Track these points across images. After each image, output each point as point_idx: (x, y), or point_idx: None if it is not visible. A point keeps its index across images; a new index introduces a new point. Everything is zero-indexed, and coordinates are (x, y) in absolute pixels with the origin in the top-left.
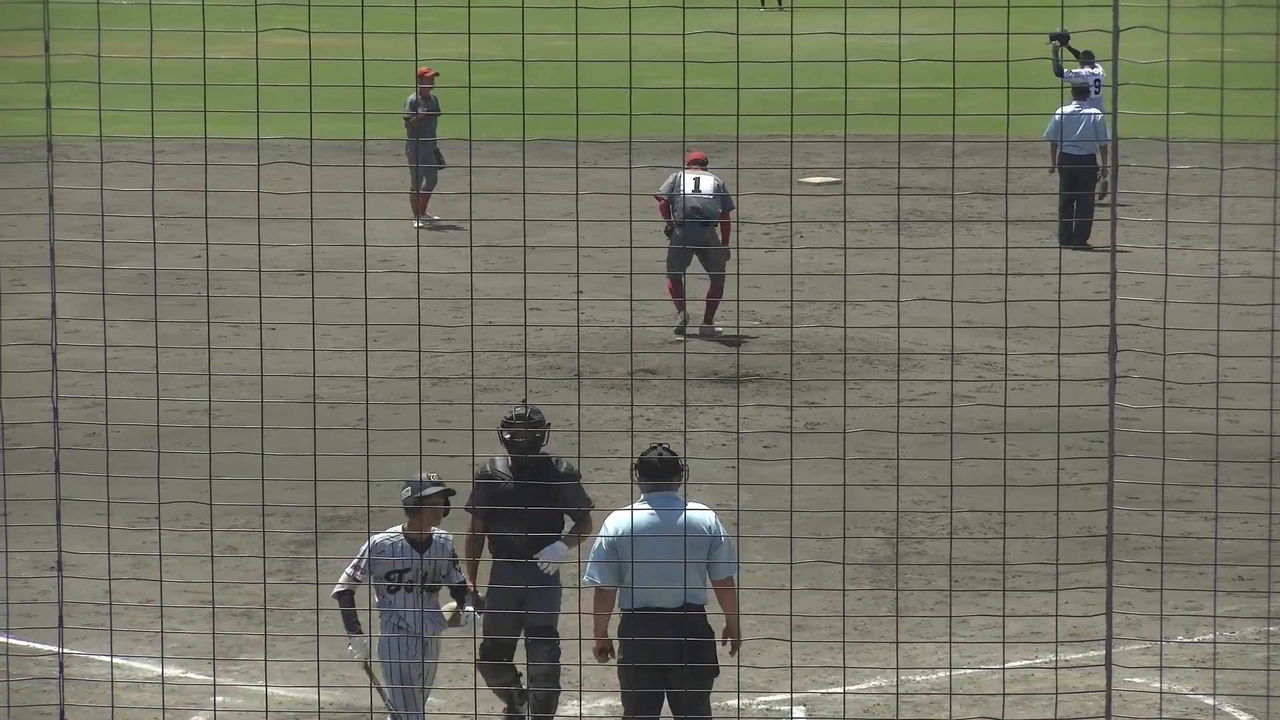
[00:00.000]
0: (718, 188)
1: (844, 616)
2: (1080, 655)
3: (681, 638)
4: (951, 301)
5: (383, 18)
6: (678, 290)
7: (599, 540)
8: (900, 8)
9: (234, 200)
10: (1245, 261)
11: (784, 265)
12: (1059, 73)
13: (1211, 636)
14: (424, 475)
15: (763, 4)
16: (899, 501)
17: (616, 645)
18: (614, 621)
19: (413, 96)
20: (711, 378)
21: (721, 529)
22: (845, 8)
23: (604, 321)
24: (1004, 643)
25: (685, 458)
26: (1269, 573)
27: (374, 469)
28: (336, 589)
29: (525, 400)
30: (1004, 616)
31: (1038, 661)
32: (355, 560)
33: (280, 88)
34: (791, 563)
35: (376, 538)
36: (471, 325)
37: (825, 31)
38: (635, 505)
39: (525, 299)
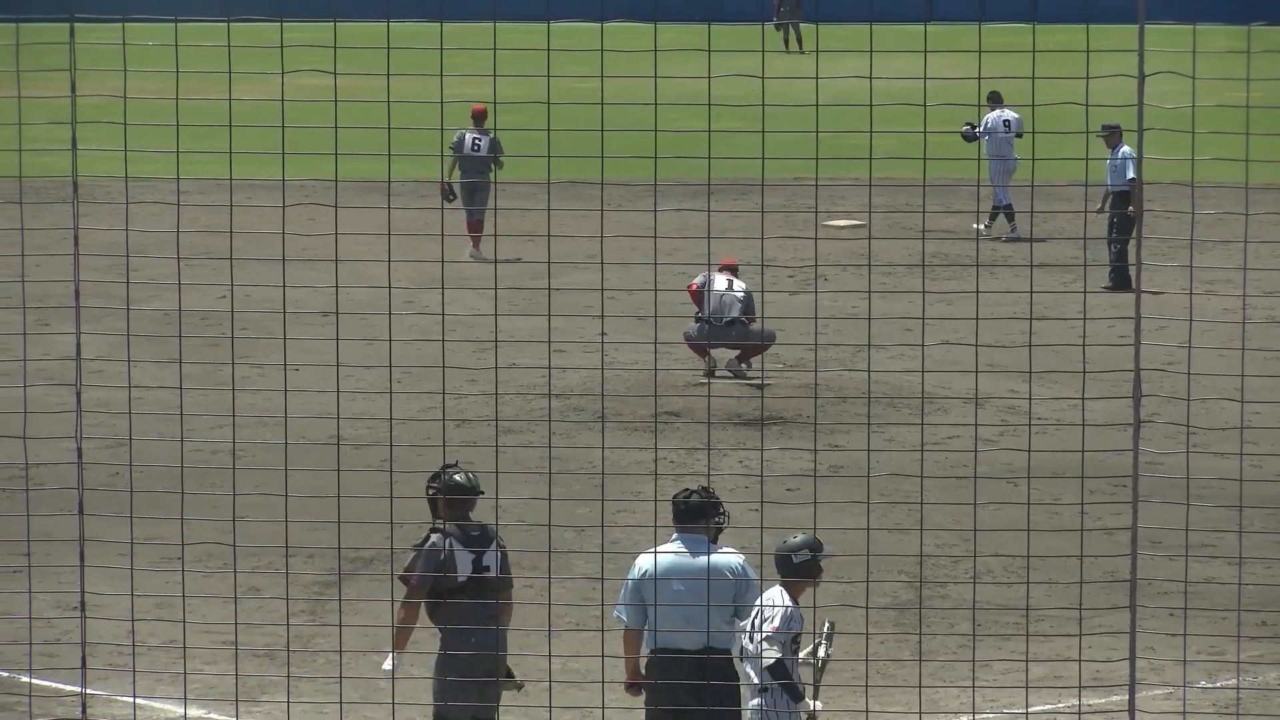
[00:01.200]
0: (745, 293)
1: (867, 660)
2: (1103, 700)
3: (701, 681)
4: (976, 345)
5: (408, 59)
6: (700, 350)
7: (627, 579)
8: (925, 52)
9: (258, 241)
10: (1270, 306)
11: (808, 308)
12: (968, 137)
13: (1235, 682)
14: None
15: (786, 47)
16: (922, 545)
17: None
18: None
19: (465, 132)
20: (735, 421)
21: (750, 573)
22: (871, 51)
23: (627, 364)
24: (1027, 687)
25: (722, 502)
26: None
27: (397, 511)
28: (770, 662)
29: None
30: (1027, 661)
31: (1061, 706)
32: (778, 627)
33: (305, 129)
34: (815, 606)
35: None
36: (495, 367)
37: (850, 75)
38: (662, 547)
39: (549, 341)
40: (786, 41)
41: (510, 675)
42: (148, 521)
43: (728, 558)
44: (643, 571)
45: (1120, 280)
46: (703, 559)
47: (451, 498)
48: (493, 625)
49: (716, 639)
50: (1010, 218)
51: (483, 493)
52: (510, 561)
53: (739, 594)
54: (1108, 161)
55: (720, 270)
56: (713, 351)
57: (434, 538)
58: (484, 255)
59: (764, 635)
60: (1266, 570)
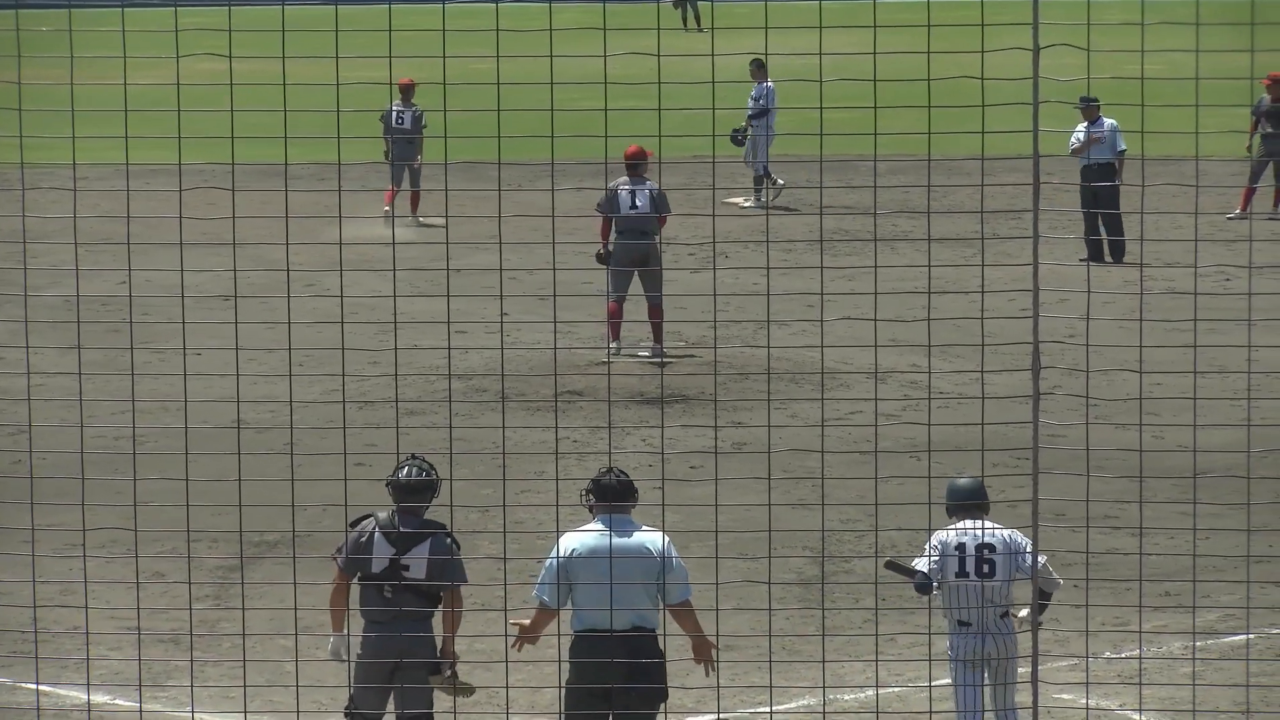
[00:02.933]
0: (654, 197)
1: (771, 636)
2: None
3: (630, 660)
4: (875, 320)
5: (305, 42)
6: (619, 314)
7: (549, 560)
8: (821, 28)
9: (158, 226)
10: (1169, 277)
11: (708, 286)
12: (737, 140)
13: (1138, 652)
14: None
15: (685, 25)
16: (825, 521)
17: (566, 667)
18: (558, 642)
19: (393, 108)
20: (638, 399)
21: (674, 552)
22: (766, 29)
23: (529, 344)
24: (931, 660)
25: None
26: (1195, 588)
27: (300, 494)
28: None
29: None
30: (930, 634)
31: None
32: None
33: (203, 113)
34: (718, 583)
35: None
36: (396, 349)
37: (747, 53)
38: (587, 527)
39: (450, 322)
40: (685, 20)
41: (446, 675)
42: (50, 508)
43: (653, 536)
44: (570, 551)
45: (1117, 252)
46: (628, 538)
47: (394, 489)
48: (408, 618)
49: (643, 618)
50: (772, 183)
51: (430, 488)
52: (456, 567)
53: (665, 573)
54: (1082, 135)
55: (627, 170)
56: (623, 333)
57: (365, 521)
58: (396, 213)
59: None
60: (1169, 541)
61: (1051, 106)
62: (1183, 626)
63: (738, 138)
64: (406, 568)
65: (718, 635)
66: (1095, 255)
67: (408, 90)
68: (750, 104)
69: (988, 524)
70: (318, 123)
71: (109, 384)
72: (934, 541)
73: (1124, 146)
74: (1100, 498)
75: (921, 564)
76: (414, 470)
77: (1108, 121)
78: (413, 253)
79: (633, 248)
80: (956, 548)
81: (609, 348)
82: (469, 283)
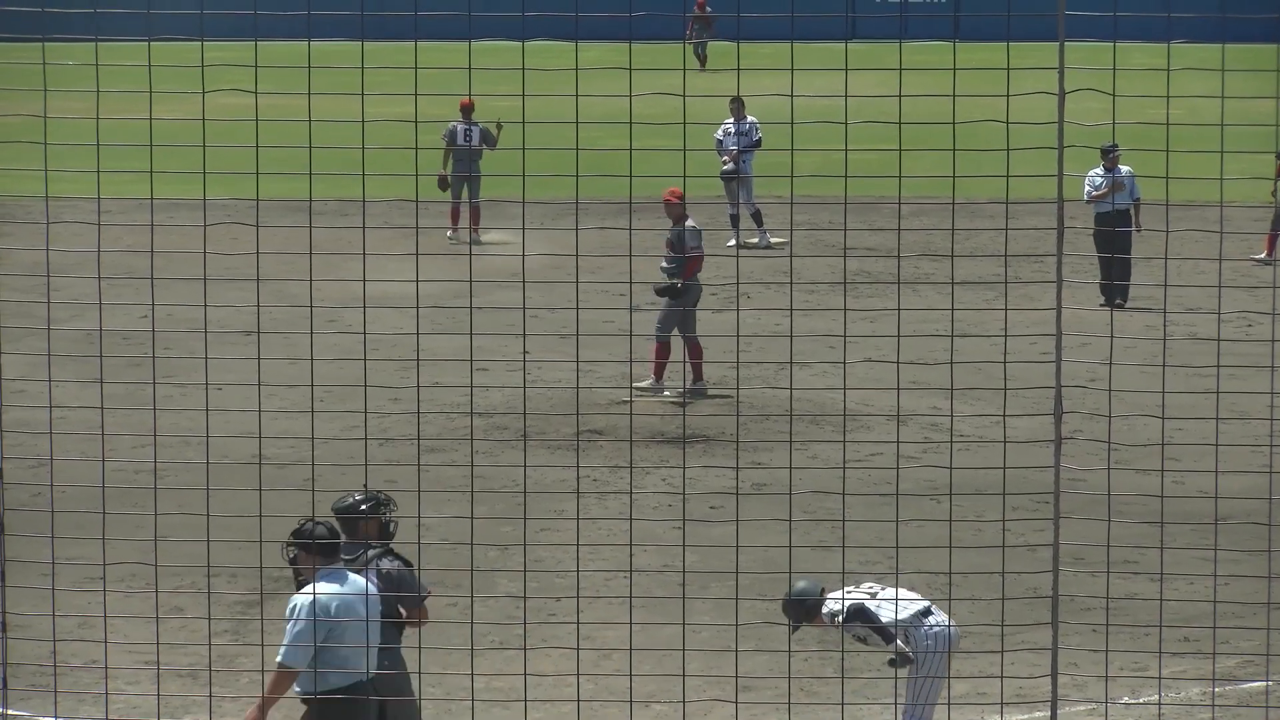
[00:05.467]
0: (684, 233)
1: (790, 678)
2: (1026, 716)
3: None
4: (898, 362)
5: (330, 78)
6: (665, 354)
7: (298, 621)
8: (847, 69)
9: (181, 260)
10: (1191, 323)
11: (731, 326)
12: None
13: (1157, 698)
14: None
15: (702, 67)
16: (845, 562)
17: None
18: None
19: (457, 124)
20: (658, 439)
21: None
22: (792, 69)
23: (551, 382)
24: (950, 704)
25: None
26: (1214, 634)
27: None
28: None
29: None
30: (950, 678)
31: None
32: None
33: (227, 148)
34: (738, 624)
35: None
36: (418, 386)
37: (772, 94)
38: (327, 585)
39: (472, 360)
40: (699, 59)
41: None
42: (70, 541)
43: (361, 579)
44: (324, 610)
45: (1122, 294)
46: (357, 583)
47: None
48: (386, 646)
49: (392, 657)
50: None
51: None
52: (406, 583)
53: (386, 603)
54: (1101, 179)
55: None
56: (665, 374)
57: None
58: (463, 239)
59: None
60: (1188, 586)
61: (1076, 150)
62: (1202, 672)
63: (730, 173)
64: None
65: (736, 676)
66: (1110, 301)
67: (469, 109)
68: (732, 139)
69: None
70: (342, 159)
71: (130, 418)
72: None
73: (1139, 194)
74: (1120, 542)
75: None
76: (358, 504)
77: (1124, 169)
78: (435, 290)
79: (697, 288)
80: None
81: (657, 386)
82: (491, 320)
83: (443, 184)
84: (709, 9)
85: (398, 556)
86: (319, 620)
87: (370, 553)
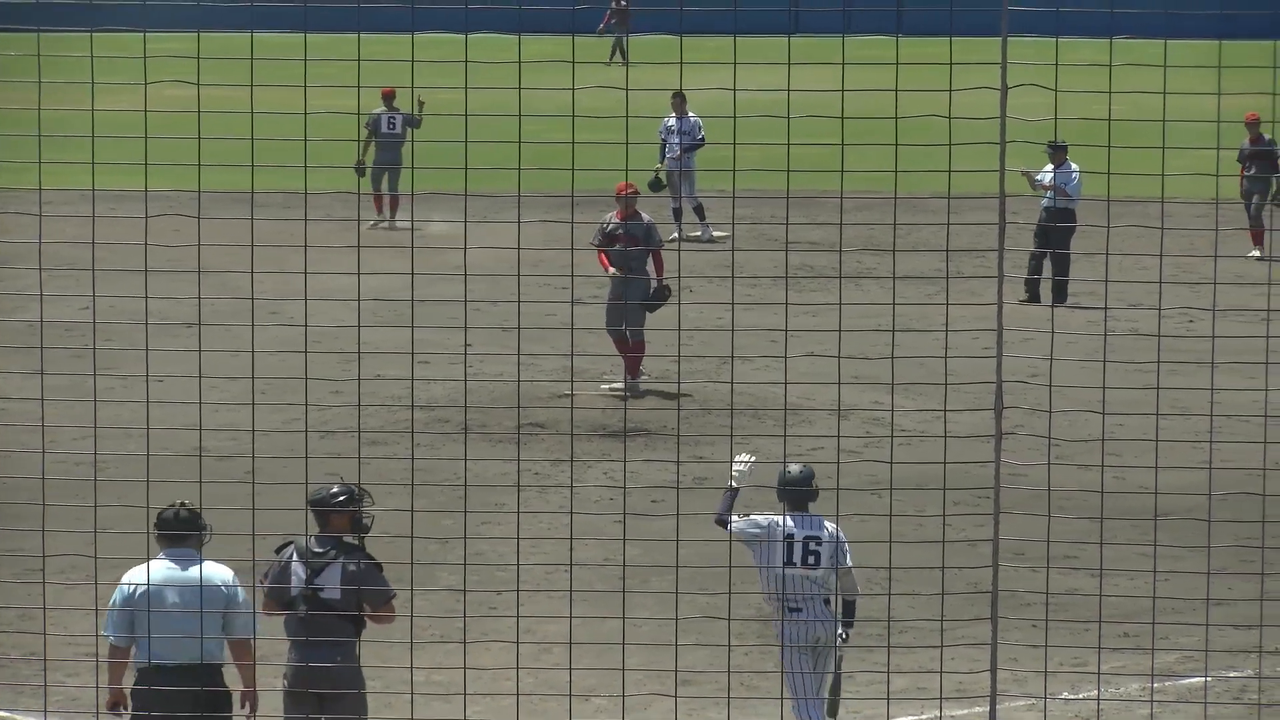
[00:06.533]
0: (648, 228)
1: (730, 672)
2: (966, 711)
3: (194, 695)
4: (839, 357)
5: (273, 70)
6: (624, 344)
7: (114, 597)
8: (789, 64)
9: (123, 252)
10: (1133, 319)
11: (672, 319)
12: (656, 187)
13: (1096, 693)
14: None
15: (610, 59)
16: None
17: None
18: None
19: (381, 113)
20: (600, 432)
21: (239, 586)
22: (735, 63)
23: (492, 375)
24: (889, 699)
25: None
26: (1153, 629)
27: (261, 522)
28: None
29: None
30: (889, 673)
31: (923, 718)
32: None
33: (170, 139)
34: (678, 618)
35: None
36: (359, 378)
37: (715, 87)
38: (153, 563)
39: (414, 352)
40: (613, 54)
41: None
42: (10, 533)
43: (219, 570)
44: (133, 589)
45: (1059, 293)
46: (193, 572)
47: (315, 509)
48: (330, 641)
49: (206, 652)
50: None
51: (335, 504)
52: (374, 580)
53: (228, 606)
54: (1049, 177)
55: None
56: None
57: (286, 548)
58: (387, 220)
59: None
60: (1129, 582)
61: (1018, 146)
62: (1141, 668)
63: (656, 185)
64: (320, 589)
65: (676, 670)
66: (1034, 296)
67: (391, 97)
68: (674, 138)
69: (811, 514)
70: (285, 150)
71: (71, 409)
72: (762, 520)
73: (1079, 193)
74: (1060, 538)
75: (738, 525)
76: (330, 495)
77: (1074, 166)
78: (377, 282)
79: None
80: (786, 535)
81: (635, 382)
82: (433, 313)
83: (360, 170)
84: (624, 2)
85: (366, 554)
86: (120, 608)
87: (334, 549)
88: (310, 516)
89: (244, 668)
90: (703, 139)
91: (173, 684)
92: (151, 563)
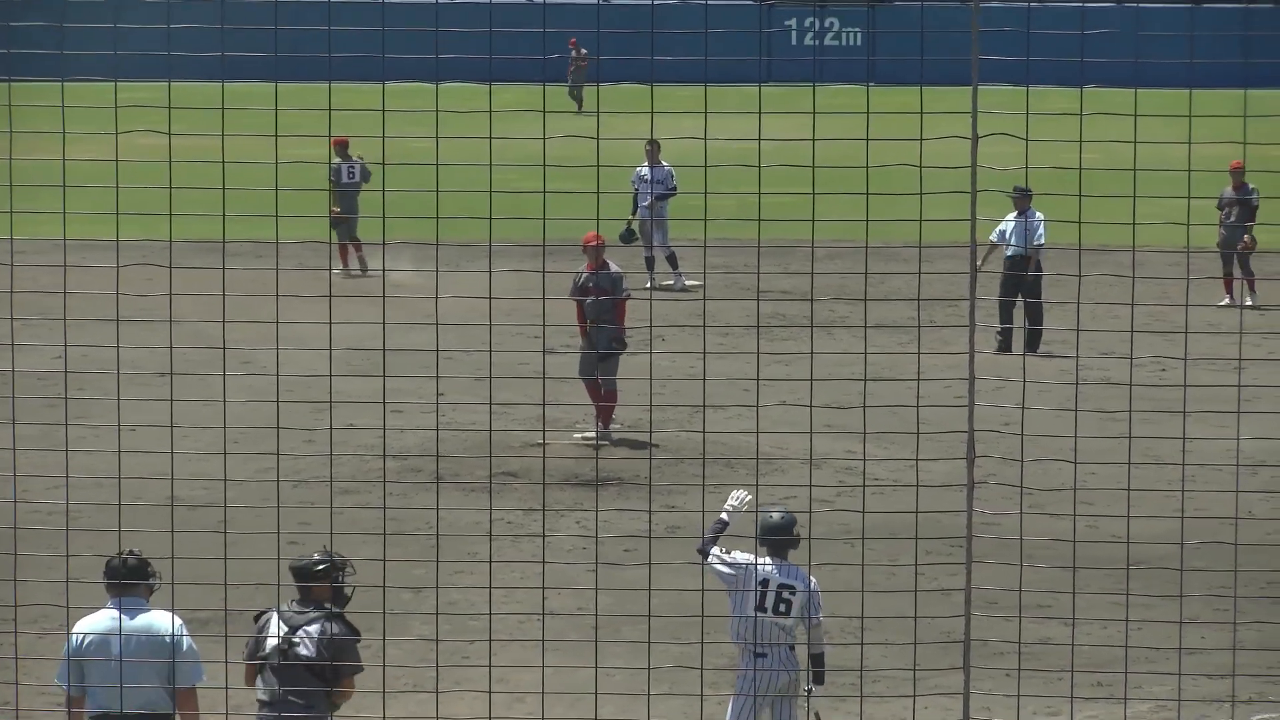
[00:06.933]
0: (616, 279)
1: None
2: None
3: None
4: (811, 406)
5: (244, 120)
6: (597, 392)
7: (65, 646)
8: (760, 113)
9: (94, 301)
10: (1104, 367)
11: (645, 369)
12: (627, 238)
13: None
14: None
15: (579, 108)
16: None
17: None
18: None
19: (341, 163)
20: (572, 481)
21: (186, 634)
22: (705, 113)
23: (465, 424)
24: None
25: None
26: (1126, 679)
27: (233, 572)
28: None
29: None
30: (862, 717)
31: None
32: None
33: (141, 189)
34: (650, 667)
35: None
36: (331, 428)
37: (687, 136)
38: (100, 613)
39: (385, 401)
40: (578, 101)
41: None
42: None
43: (164, 619)
44: (79, 639)
45: (1033, 342)
46: (140, 620)
47: (294, 574)
48: (301, 695)
49: (153, 701)
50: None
51: (317, 573)
52: (345, 653)
53: (175, 654)
54: (1011, 225)
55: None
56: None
57: (265, 614)
58: (358, 269)
59: (818, 621)
60: (1101, 630)
61: (989, 195)
62: (1114, 717)
63: (629, 236)
64: (295, 644)
65: (649, 719)
66: (1006, 346)
67: (345, 146)
68: (646, 187)
69: (790, 563)
70: (256, 200)
71: (43, 459)
72: (740, 560)
73: (1041, 240)
74: (1033, 586)
75: (716, 559)
76: (313, 564)
77: (1037, 214)
78: (349, 332)
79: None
80: (761, 581)
81: (606, 432)
82: (406, 362)
83: (336, 222)
84: (583, 51)
85: (347, 623)
86: (71, 647)
87: (309, 616)
88: (282, 581)
89: (188, 717)
90: (675, 187)
91: None
92: (98, 612)
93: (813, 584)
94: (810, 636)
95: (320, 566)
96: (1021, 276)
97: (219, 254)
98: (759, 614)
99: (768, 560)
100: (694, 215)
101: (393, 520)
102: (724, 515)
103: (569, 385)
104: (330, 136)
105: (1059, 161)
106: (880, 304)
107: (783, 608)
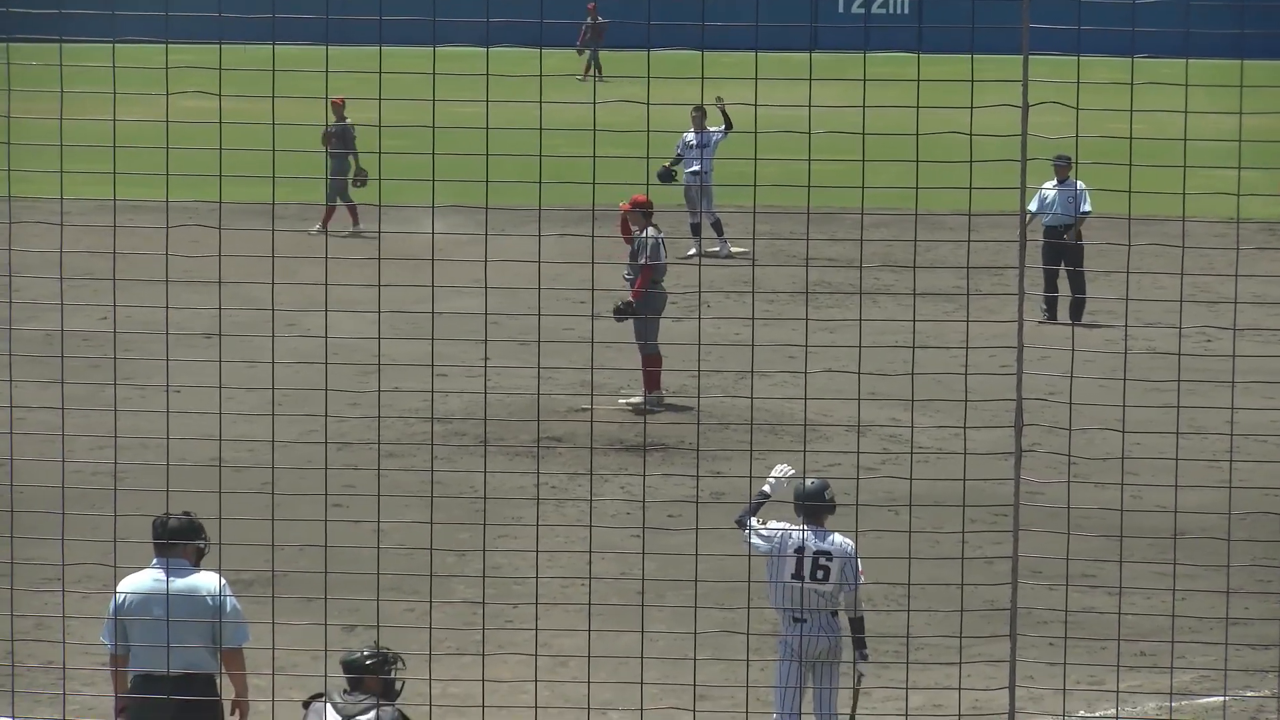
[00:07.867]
0: (650, 244)
1: (747, 687)
2: None
3: (179, 704)
4: (858, 373)
5: (294, 82)
6: (657, 363)
7: (110, 604)
8: (810, 80)
9: (141, 262)
10: (1150, 337)
11: (691, 335)
12: (664, 177)
13: (1114, 712)
14: None
15: (585, 74)
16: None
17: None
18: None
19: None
20: (617, 446)
21: (230, 595)
22: (756, 79)
23: (510, 388)
24: (907, 716)
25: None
26: (1171, 648)
27: (278, 533)
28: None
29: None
30: (907, 689)
31: None
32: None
33: (189, 150)
34: (696, 632)
35: None
36: (378, 390)
37: (736, 103)
38: (143, 572)
39: (432, 365)
40: (588, 68)
41: None
42: (27, 542)
43: (207, 580)
44: (123, 598)
45: (1076, 311)
46: (182, 582)
47: (345, 669)
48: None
49: (196, 661)
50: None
51: (367, 668)
52: None
53: (218, 615)
54: (1053, 193)
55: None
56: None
57: (316, 700)
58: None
59: (858, 585)
60: (1146, 600)
61: (1038, 164)
62: (1158, 687)
63: (667, 175)
64: None
65: (695, 685)
66: (1053, 315)
67: (341, 107)
68: (691, 152)
69: (826, 530)
70: (304, 163)
71: (89, 419)
72: (776, 529)
73: (1088, 208)
74: (1078, 556)
75: (751, 533)
76: (363, 659)
77: (1079, 184)
78: (395, 295)
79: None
80: (796, 549)
81: (653, 397)
82: (451, 326)
83: (362, 182)
84: (600, 17)
85: (401, 713)
86: (114, 606)
87: (363, 705)
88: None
89: (235, 677)
90: (724, 133)
91: (161, 693)
92: (142, 571)
93: (850, 549)
94: (848, 601)
95: (370, 661)
96: (1063, 245)
97: (266, 216)
98: (797, 581)
99: (804, 527)
100: (741, 182)
101: (438, 484)
102: (766, 488)
103: (614, 350)
104: (380, 98)
105: (1108, 131)
106: (927, 272)
107: (820, 574)
